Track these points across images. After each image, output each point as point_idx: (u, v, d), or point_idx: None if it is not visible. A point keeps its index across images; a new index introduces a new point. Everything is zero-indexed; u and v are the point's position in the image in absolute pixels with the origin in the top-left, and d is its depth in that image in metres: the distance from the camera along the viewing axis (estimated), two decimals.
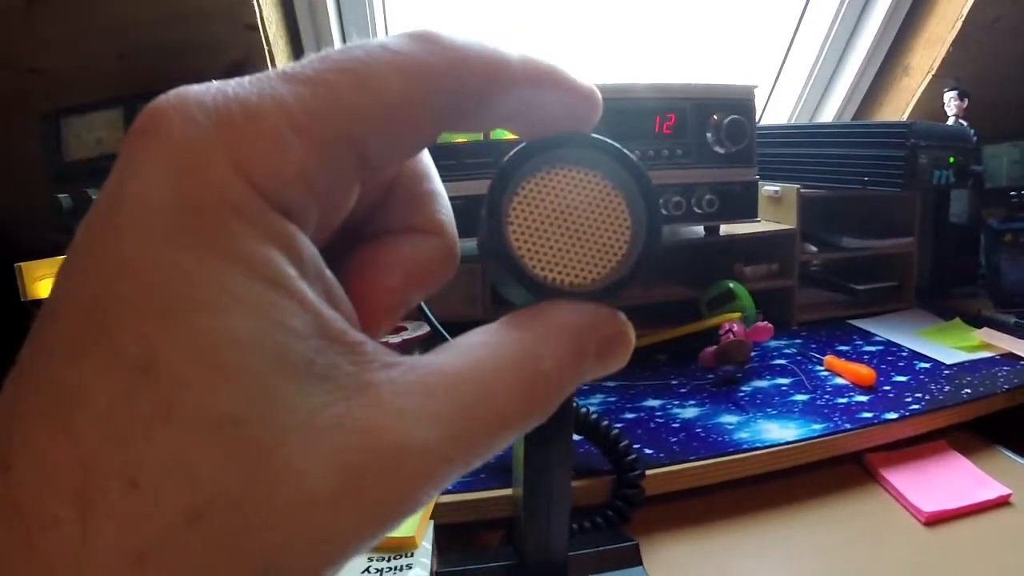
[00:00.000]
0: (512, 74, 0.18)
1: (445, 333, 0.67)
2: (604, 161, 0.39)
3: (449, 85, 0.17)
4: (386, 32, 1.19)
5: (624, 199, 0.38)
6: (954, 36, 1.15)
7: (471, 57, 0.17)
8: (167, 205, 0.14)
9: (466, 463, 0.16)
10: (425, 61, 0.16)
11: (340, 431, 0.14)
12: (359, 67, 0.16)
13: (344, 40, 1.14)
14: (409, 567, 0.50)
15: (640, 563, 0.52)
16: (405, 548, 0.52)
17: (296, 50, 1.10)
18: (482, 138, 0.81)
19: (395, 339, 0.76)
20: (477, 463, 0.16)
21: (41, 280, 0.81)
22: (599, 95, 0.21)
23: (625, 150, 0.39)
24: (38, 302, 0.80)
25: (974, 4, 1.11)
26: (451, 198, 0.86)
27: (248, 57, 0.95)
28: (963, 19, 1.12)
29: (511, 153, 0.38)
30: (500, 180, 0.37)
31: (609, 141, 0.38)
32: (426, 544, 0.53)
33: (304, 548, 0.14)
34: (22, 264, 0.81)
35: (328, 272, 0.17)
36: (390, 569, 0.50)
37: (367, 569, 0.50)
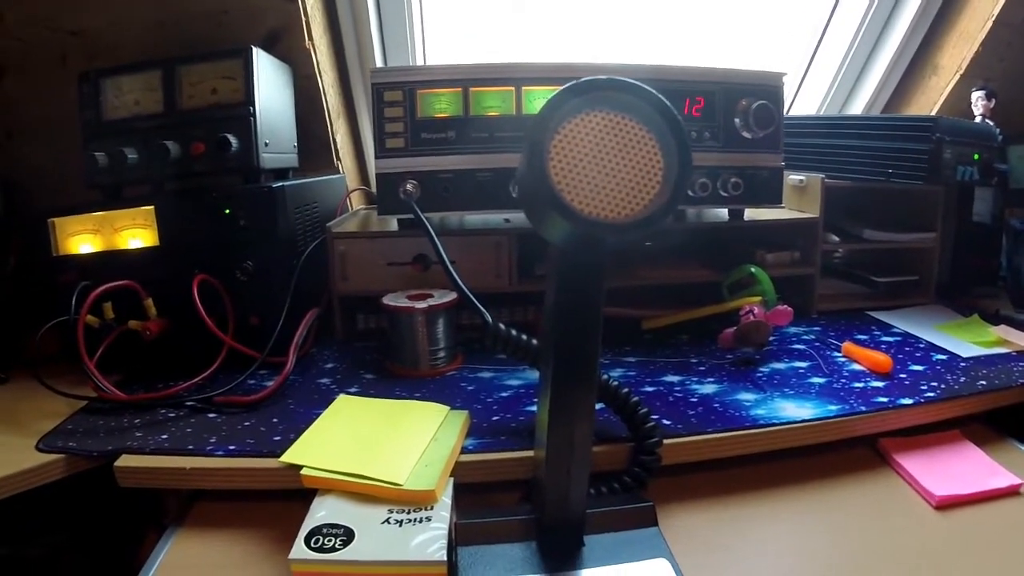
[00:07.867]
0: None
1: (476, 301, 0.68)
2: (637, 104, 0.40)
3: None
4: (420, 9, 1.19)
5: (656, 139, 0.40)
6: (984, 36, 1.14)
7: None
8: None
9: None
10: None
11: None
12: None
13: (379, 12, 1.16)
14: (428, 519, 0.52)
15: (656, 523, 0.54)
16: (426, 501, 0.54)
17: (332, 21, 1.11)
18: (514, 112, 0.82)
19: (421, 305, 0.77)
20: None
21: (73, 236, 0.82)
22: None
23: (655, 92, 0.41)
24: (69, 257, 0.82)
25: (1005, 4, 1.10)
26: (482, 171, 0.87)
27: (286, 25, 0.96)
28: (994, 19, 1.12)
29: (552, 97, 0.39)
30: (542, 121, 0.38)
31: (640, 84, 0.40)
32: (446, 499, 0.54)
33: None
34: (55, 220, 0.83)
35: None
36: (410, 520, 0.52)
37: (387, 520, 0.52)
